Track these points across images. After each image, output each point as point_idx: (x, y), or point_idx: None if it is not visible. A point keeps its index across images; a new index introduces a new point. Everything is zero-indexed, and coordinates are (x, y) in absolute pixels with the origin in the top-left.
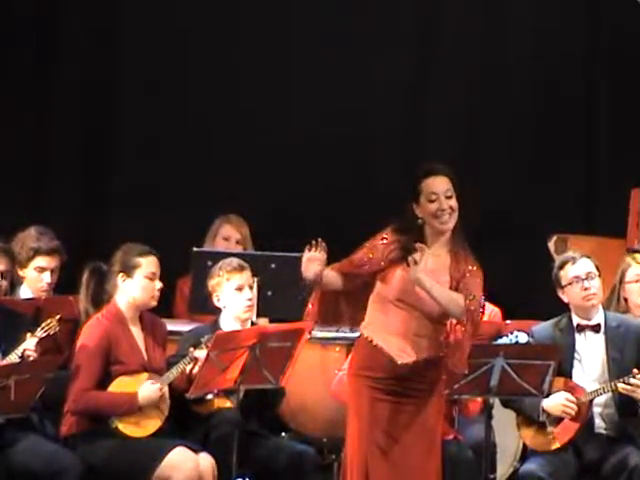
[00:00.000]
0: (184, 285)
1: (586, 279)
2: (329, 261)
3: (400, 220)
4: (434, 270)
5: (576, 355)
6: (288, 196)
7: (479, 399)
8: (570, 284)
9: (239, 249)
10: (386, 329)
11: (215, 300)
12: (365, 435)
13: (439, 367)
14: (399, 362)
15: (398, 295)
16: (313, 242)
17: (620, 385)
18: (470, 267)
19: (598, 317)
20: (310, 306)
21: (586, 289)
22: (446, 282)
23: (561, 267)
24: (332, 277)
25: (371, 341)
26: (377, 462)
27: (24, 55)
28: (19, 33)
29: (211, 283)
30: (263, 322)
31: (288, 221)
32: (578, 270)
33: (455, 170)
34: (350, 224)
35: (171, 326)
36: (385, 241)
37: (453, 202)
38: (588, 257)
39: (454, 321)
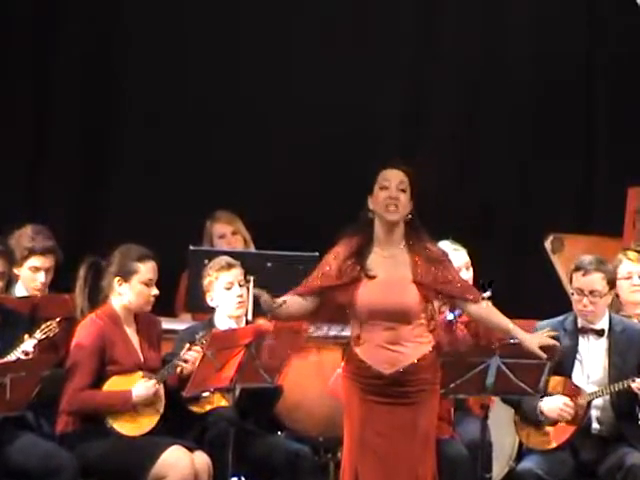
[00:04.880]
0: (186, 280)
1: (587, 296)
2: None
3: (352, 223)
4: (395, 271)
5: (578, 357)
6: (287, 196)
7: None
8: (573, 292)
9: (240, 240)
10: (369, 343)
11: (208, 300)
12: (356, 436)
13: (431, 367)
14: (387, 373)
15: (368, 316)
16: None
17: (634, 384)
18: (438, 259)
19: (602, 322)
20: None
21: (584, 305)
22: (408, 279)
23: (575, 270)
24: (293, 301)
25: (357, 355)
26: (368, 464)
27: (24, 55)
28: (19, 33)
29: (204, 283)
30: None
31: (287, 220)
32: (583, 285)
33: (454, 169)
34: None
35: (172, 325)
36: (336, 255)
37: (404, 196)
38: (603, 272)
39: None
